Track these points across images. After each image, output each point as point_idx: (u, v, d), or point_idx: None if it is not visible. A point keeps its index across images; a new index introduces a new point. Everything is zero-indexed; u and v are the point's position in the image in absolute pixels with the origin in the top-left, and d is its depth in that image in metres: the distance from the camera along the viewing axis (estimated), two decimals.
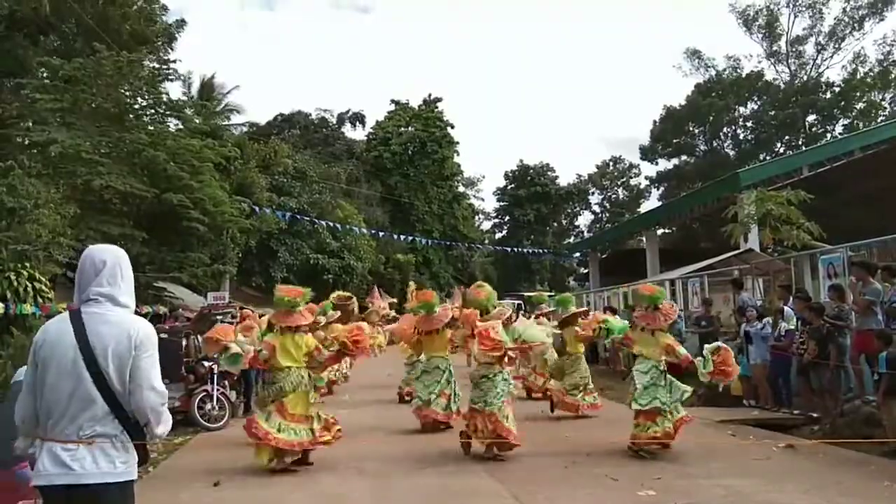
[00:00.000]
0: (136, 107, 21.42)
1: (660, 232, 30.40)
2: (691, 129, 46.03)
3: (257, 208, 26.39)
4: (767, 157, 37.90)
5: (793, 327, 10.12)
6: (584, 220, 57.81)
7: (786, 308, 10.80)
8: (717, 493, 5.75)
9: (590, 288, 28.45)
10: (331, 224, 31.36)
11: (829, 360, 8.99)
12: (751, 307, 11.40)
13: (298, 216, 29.77)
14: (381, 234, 34.57)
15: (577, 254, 43.51)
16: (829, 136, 39.64)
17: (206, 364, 10.20)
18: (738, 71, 44.69)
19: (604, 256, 32.52)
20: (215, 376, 10.12)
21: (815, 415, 9.29)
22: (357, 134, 47.72)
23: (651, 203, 50.41)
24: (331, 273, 31.51)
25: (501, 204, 53.12)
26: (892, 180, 15.68)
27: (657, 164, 48.89)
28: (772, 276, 12.83)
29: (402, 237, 35.66)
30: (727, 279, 14.38)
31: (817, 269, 11.16)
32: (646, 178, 54.18)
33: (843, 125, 41.37)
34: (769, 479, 6.16)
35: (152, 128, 21.36)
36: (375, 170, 42.70)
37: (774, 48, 44.21)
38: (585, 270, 41.50)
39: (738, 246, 15.99)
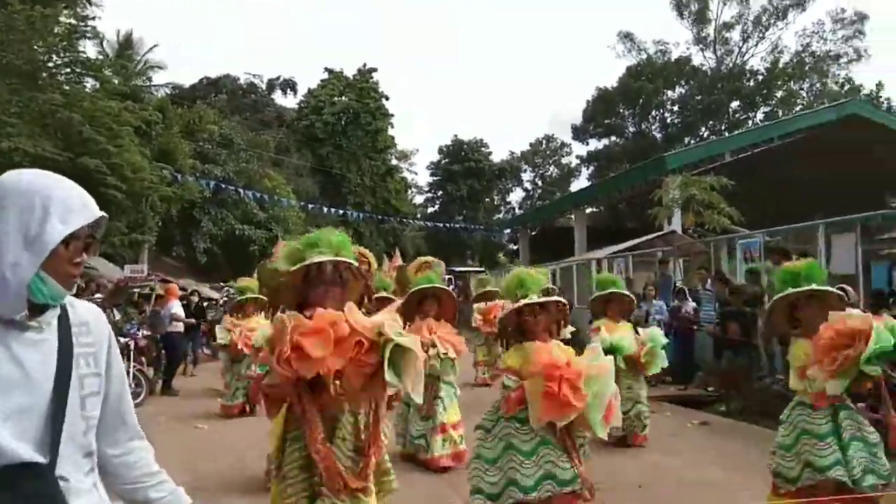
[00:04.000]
0: (51, 65, 20.15)
1: (588, 211, 31.02)
2: (622, 110, 46.96)
3: (179, 175, 25.36)
4: (692, 141, 39.14)
5: (695, 306, 10.89)
6: (515, 196, 58.42)
7: (702, 290, 11.33)
8: (636, 469, 5.91)
9: (521, 265, 28.83)
10: (258, 194, 30.48)
11: (745, 340, 9.41)
12: (651, 287, 11.96)
13: (223, 185, 28.76)
14: (310, 205, 33.87)
15: (508, 230, 44.00)
16: (750, 122, 41.23)
17: (122, 340, 9.77)
18: (668, 55, 45.82)
19: (533, 233, 32.97)
20: (132, 352, 9.72)
21: (728, 392, 9.72)
22: (288, 101, 46.43)
23: (581, 182, 51.35)
24: (257, 245, 30.68)
25: (434, 178, 53.00)
26: (806, 169, 16.45)
27: (588, 143, 49.77)
28: (692, 258, 13.27)
29: (333, 210, 35.09)
30: (651, 259, 14.81)
31: (735, 253, 11.63)
32: (577, 157, 55.12)
33: (763, 112, 43.10)
34: (685, 456, 6.39)
35: (67, 88, 20.16)
36: (306, 139, 41.70)
37: (703, 34, 45.42)
38: (515, 247, 42.04)
39: (662, 228, 16.49)
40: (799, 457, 4.05)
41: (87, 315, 1.64)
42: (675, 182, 14.36)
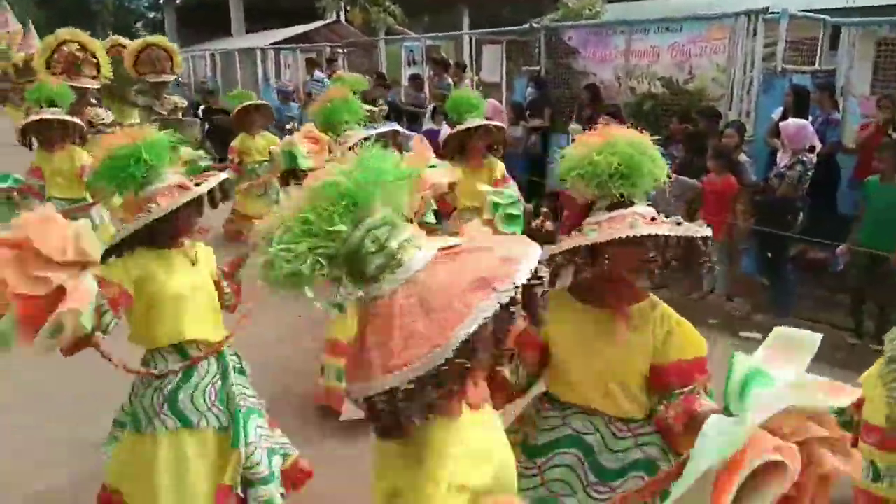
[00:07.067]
0: None
1: None
2: None
3: None
4: None
5: None
6: None
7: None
8: None
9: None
10: None
11: None
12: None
13: None
14: None
15: None
16: None
17: None
18: None
19: (180, 2, 29.07)
20: None
21: None
22: None
23: None
24: None
25: None
26: None
27: None
28: (361, 55, 13.44)
29: None
30: (316, 49, 14.40)
31: (400, 55, 12.15)
32: None
33: None
34: None
35: None
36: None
37: None
38: (158, 15, 36.95)
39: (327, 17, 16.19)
40: None
41: None
42: None
